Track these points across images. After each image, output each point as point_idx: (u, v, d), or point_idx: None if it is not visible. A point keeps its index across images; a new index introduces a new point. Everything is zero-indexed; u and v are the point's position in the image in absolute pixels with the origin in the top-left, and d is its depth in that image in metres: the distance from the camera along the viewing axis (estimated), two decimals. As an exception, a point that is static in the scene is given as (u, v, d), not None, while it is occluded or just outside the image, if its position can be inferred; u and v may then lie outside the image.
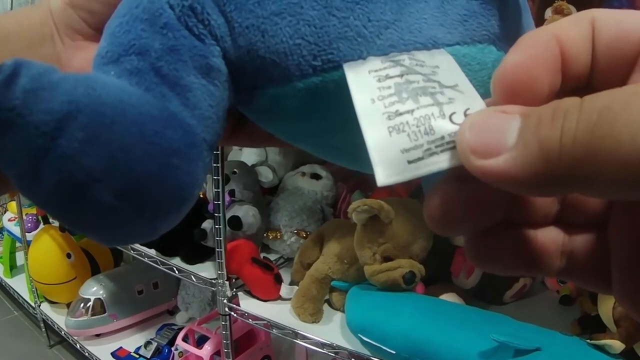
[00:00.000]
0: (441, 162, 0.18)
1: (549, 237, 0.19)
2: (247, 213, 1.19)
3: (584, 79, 0.18)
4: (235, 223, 1.16)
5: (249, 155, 1.50)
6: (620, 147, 0.12)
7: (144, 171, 0.21)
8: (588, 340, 0.83)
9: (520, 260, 0.19)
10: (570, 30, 0.17)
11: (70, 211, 0.20)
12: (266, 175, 1.37)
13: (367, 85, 0.20)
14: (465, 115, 0.18)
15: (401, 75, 0.20)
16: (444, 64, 0.21)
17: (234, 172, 1.31)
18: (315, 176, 1.36)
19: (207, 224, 1.17)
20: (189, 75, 0.23)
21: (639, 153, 0.12)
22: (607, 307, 0.85)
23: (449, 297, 0.98)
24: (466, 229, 0.19)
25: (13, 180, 0.20)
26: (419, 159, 0.18)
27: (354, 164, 0.29)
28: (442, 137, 0.18)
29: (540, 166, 0.14)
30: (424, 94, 0.19)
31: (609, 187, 0.13)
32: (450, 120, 0.18)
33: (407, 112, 0.18)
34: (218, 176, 1.05)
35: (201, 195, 1.26)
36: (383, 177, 0.18)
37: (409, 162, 0.18)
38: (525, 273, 0.20)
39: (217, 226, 1.08)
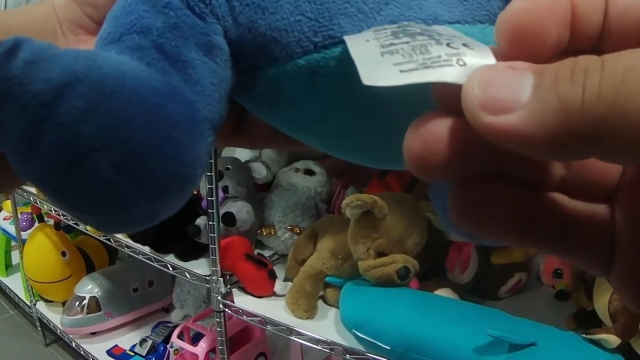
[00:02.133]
0: (437, 75, 0.16)
1: (549, 203, 0.17)
2: (240, 209, 1.18)
3: (592, 42, 0.17)
4: (229, 219, 1.15)
5: (242, 151, 1.50)
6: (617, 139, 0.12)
7: (145, 142, 0.20)
8: (584, 335, 0.82)
9: (509, 223, 0.16)
10: None
11: (67, 186, 0.20)
12: (260, 172, 1.37)
13: (363, 36, 0.20)
14: (464, 45, 0.17)
15: (399, 27, 0.20)
16: (445, 31, 0.20)
17: (228, 169, 1.31)
18: (309, 172, 1.36)
19: (200, 221, 1.16)
20: (190, 52, 0.23)
21: None
22: (602, 302, 0.85)
23: (443, 293, 0.98)
24: (451, 172, 0.16)
25: (10, 156, 0.19)
26: (413, 69, 0.16)
27: (361, 155, 0.29)
28: (439, 56, 0.16)
29: (559, 124, 0.13)
30: (420, 35, 0.18)
31: (633, 150, 0.12)
32: (448, 46, 0.17)
33: (402, 43, 0.18)
34: (211, 172, 1.04)
35: (195, 192, 1.26)
36: (366, 76, 0.16)
37: (401, 71, 0.16)
38: (511, 241, 0.17)
39: (210, 222, 1.08)
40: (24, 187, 1.67)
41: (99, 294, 1.61)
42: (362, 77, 0.16)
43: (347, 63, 0.21)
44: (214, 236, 1.09)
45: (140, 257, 1.32)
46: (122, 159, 0.20)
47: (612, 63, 0.13)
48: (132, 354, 1.57)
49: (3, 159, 0.20)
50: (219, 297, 1.13)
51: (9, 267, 2.12)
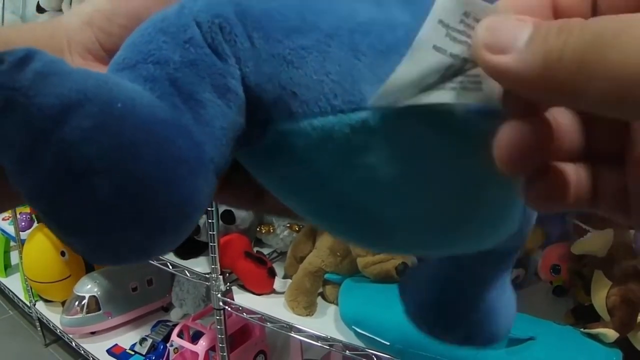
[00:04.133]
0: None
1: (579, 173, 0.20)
2: (240, 207, 1.18)
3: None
4: (228, 217, 1.15)
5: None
6: (606, 68, 0.14)
7: (150, 172, 0.19)
8: (582, 330, 0.83)
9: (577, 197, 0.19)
10: None
11: (61, 204, 0.19)
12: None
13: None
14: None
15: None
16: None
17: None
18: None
19: (200, 219, 1.16)
20: (204, 92, 0.22)
21: (624, 75, 0.14)
22: (600, 297, 0.85)
23: (442, 289, 0.98)
24: (534, 165, 0.19)
25: (7, 167, 0.19)
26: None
27: (349, 230, 0.27)
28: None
29: (541, 70, 0.16)
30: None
31: (596, 102, 0.15)
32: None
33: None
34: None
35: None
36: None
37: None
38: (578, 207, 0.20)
39: (210, 220, 1.08)
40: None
41: (99, 293, 1.60)
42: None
43: (358, 134, 0.21)
44: (214, 234, 1.09)
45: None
46: (123, 184, 0.19)
47: (589, 25, 0.15)
48: (132, 353, 1.57)
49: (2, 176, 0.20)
50: (219, 295, 1.13)
51: (8, 268, 2.12)
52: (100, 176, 0.18)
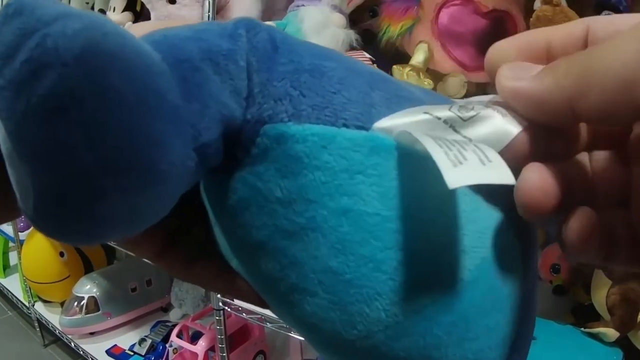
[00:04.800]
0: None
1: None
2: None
3: None
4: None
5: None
6: (585, 98, 0.18)
7: (123, 115, 0.17)
8: (582, 329, 0.83)
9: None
10: (560, 29, 0.22)
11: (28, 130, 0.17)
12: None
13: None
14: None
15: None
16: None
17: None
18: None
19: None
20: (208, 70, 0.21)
21: (605, 99, 0.18)
22: (600, 296, 0.85)
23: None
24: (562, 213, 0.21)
25: None
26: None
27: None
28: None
29: (549, 90, 0.19)
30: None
31: (594, 114, 0.18)
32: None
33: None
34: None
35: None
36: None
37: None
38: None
39: (209, 221, 1.07)
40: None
41: (98, 294, 1.60)
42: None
43: (359, 150, 0.21)
44: (213, 234, 1.08)
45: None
46: (92, 119, 0.17)
47: (574, 61, 0.19)
48: (132, 353, 1.57)
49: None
50: (218, 295, 1.13)
51: (6, 268, 2.12)
52: (66, 99, 0.16)
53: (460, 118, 0.21)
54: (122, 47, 0.17)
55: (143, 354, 1.54)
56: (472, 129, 0.21)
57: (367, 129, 0.21)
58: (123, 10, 1.28)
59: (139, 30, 0.24)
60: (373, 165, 0.21)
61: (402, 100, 0.23)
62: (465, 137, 0.21)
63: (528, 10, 0.83)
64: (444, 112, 0.21)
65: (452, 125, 0.21)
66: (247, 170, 0.22)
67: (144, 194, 0.19)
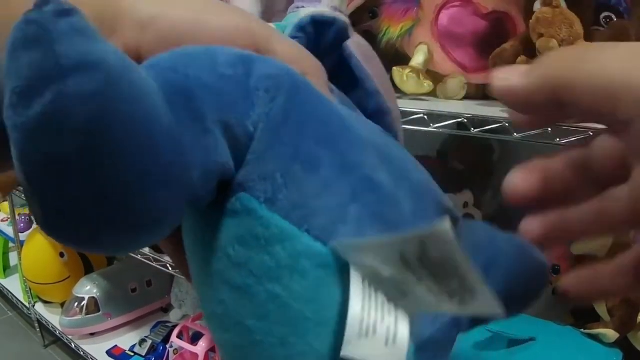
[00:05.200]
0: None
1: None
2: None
3: None
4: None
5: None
6: (570, 90, 0.21)
7: (124, 160, 0.18)
8: (582, 330, 0.83)
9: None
10: None
11: (30, 149, 0.18)
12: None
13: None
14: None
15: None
16: None
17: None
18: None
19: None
20: (213, 121, 0.22)
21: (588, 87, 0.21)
22: (600, 297, 0.85)
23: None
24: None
25: (5, 97, 0.18)
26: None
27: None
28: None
29: (535, 84, 0.22)
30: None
31: (576, 107, 0.21)
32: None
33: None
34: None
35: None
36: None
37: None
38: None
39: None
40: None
41: (98, 294, 1.60)
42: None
43: (311, 260, 0.23)
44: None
45: (139, 257, 1.31)
46: (95, 166, 0.18)
47: (551, 59, 0.23)
48: (132, 354, 1.57)
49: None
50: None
51: (7, 269, 2.12)
52: (73, 147, 0.17)
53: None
54: (133, 115, 0.18)
55: (143, 355, 1.54)
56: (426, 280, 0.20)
57: (325, 243, 0.23)
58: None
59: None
60: (315, 277, 0.23)
61: (377, 221, 0.24)
62: (418, 279, 0.20)
63: (528, 12, 0.83)
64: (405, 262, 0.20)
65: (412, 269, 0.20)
66: (216, 216, 0.24)
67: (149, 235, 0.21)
